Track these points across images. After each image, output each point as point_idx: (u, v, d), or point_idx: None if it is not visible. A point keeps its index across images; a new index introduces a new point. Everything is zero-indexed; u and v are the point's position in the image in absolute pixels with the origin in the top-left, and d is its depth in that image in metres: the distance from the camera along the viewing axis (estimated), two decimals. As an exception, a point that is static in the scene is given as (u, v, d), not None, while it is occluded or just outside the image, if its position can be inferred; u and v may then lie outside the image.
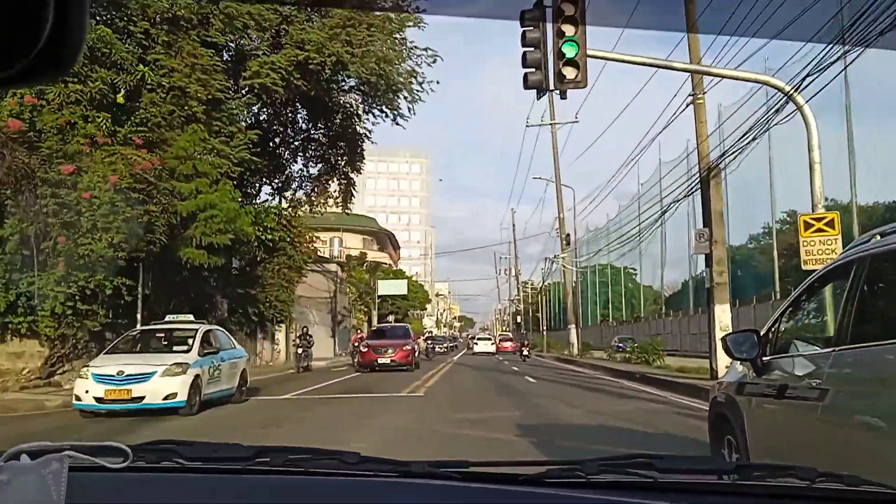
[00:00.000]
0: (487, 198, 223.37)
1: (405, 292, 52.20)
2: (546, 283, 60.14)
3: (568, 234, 33.47)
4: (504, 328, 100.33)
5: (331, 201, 25.10)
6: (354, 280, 47.64)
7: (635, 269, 71.31)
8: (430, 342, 40.99)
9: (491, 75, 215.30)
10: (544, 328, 47.69)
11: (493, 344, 47.94)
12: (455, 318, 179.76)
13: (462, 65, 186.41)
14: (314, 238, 24.61)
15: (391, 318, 60.14)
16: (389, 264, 62.78)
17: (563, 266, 33.90)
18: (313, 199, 24.40)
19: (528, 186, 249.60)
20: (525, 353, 35.79)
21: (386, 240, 68.52)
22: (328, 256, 44.72)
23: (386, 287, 50.51)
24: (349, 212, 25.24)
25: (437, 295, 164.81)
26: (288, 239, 23.16)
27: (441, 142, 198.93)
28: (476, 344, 49.21)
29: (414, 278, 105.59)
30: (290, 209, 23.76)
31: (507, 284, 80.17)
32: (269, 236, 21.76)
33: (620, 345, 47.88)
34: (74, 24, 0.64)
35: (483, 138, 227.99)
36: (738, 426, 3.77)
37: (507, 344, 47.91)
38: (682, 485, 1.22)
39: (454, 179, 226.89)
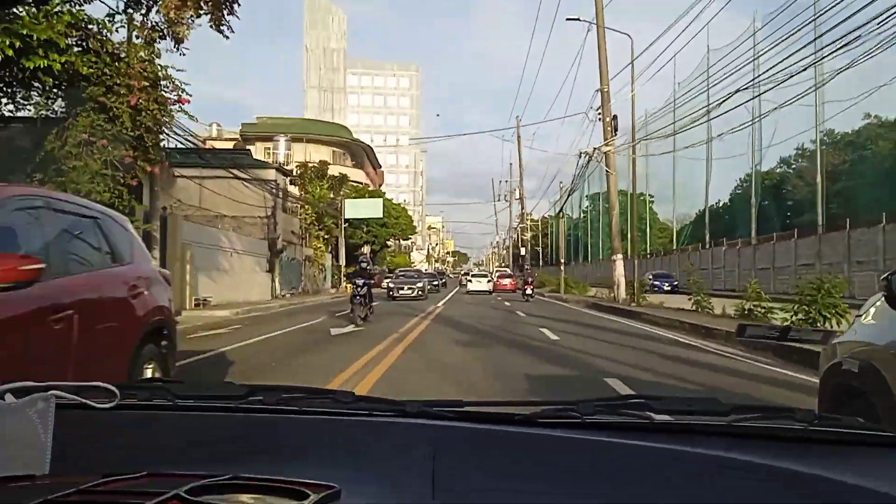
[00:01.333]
0: (485, 133, 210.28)
1: (380, 214, 40.81)
2: (560, 211, 49.49)
3: (615, 117, 21.85)
4: (501, 263, 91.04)
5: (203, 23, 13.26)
6: (311, 197, 36.16)
7: (652, 197, 61.11)
8: (393, 281, 30.81)
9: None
10: (562, 260, 36.46)
11: (489, 281, 40.24)
12: (448, 252, 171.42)
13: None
14: (175, 87, 12.84)
15: (365, 248, 49.03)
16: (366, 184, 51.10)
17: (608, 168, 22.40)
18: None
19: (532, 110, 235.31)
20: (529, 291, 29.92)
21: (362, 154, 56.48)
22: (270, 163, 33.01)
23: (355, 208, 39.10)
24: (226, 34, 13.41)
25: (430, 228, 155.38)
26: (108, 75, 11.60)
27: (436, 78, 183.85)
28: (469, 281, 41.18)
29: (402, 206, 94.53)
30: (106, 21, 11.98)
31: (509, 211, 68.93)
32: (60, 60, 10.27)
33: (657, 283, 37.28)
34: None
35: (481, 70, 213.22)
36: (886, 405, 2.45)
37: (506, 281, 41.26)
38: (678, 426, 1.22)
39: (452, 114, 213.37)
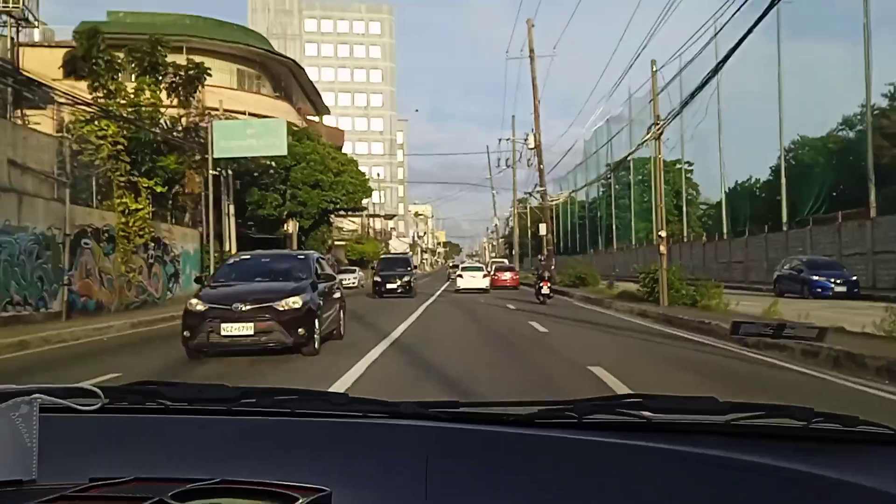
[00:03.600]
0: (473, 123, 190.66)
1: (281, 152, 21.40)
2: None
3: None
4: (496, 254, 78.81)
5: None
6: (114, 105, 16.68)
7: (691, 164, 49.41)
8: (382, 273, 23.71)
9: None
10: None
11: (485, 276, 30.24)
12: (439, 243, 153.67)
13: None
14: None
15: (290, 225, 29.99)
16: (299, 125, 31.53)
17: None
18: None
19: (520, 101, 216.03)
20: (546, 290, 19.40)
21: (292, 82, 36.68)
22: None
23: (228, 135, 19.77)
24: None
25: (417, 215, 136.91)
26: None
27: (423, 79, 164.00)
28: (460, 277, 30.32)
29: (376, 180, 75.07)
30: None
31: (513, 177, 50.10)
32: None
33: (817, 278, 18.80)
34: None
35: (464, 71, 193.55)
36: None
37: (506, 275, 33.27)
38: (675, 425, 1.20)
39: (437, 106, 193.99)
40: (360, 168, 32.88)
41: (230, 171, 22.87)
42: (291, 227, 29.67)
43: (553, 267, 29.95)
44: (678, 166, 56.59)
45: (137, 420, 1.24)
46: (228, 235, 22.94)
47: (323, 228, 30.23)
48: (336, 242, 48.31)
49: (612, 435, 1.14)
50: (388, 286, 24.47)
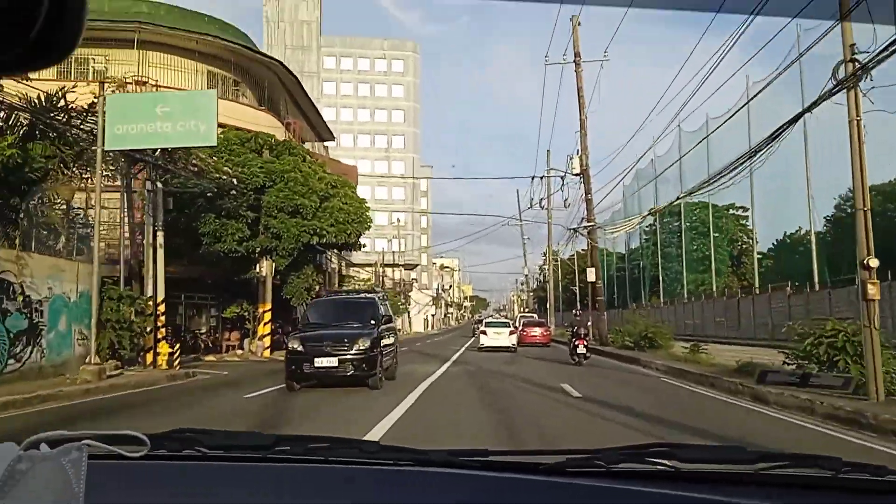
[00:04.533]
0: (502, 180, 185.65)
1: (210, 142, 14.19)
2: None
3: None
4: (523, 308, 76.55)
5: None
6: None
7: (746, 209, 44.55)
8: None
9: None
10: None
11: (511, 333, 25.88)
12: (466, 297, 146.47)
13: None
14: None
15: (263, 265, 22.86)
16: (293, 151, 24.64)
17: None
18: None
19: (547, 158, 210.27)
20: (582, 349, 17.41)
21: (282, 95, 29.97)
22: None
23: (131, 116, 12.68)
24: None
25: (443, 268, 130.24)
26: None
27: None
28: (484, 334, 26.04)
29: (396, 226, 68.22)
30: None
31: (547, 206, 43.01)
32: None
33: None
34: (73, 7, 0.63)
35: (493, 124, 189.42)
36: None
37: (536, 331, 30.31)
38: (704, 474, 1.19)
39: (468, 165, 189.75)
40: (360, 195, 25.72)
41: (159, 184, 15.91)
42: (266, 267, 22.50)
43: (593, 322, 26.06)
44: (731, 211, 49.42)
45: (177, 467, 1.28)
46: (153, 275, 15.80)
47: (307, 271, 22.98)
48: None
49: (641, 483, 1.14)
50: (320, 364, 11.31)
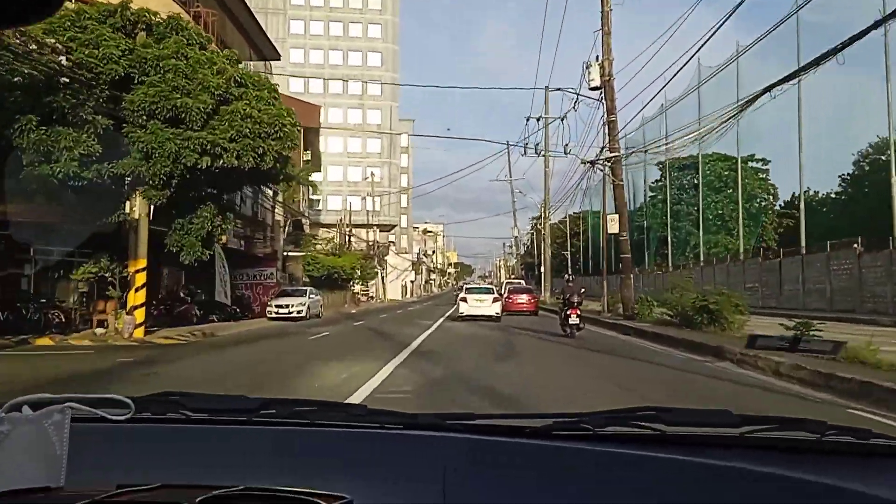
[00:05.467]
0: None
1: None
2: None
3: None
4: (510, 275, 70.95)
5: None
6: None
7: (768, 162, 39.66)
8: None
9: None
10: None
11: (495, 300, 22.66)
12: (450, 264, 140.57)
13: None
14: None
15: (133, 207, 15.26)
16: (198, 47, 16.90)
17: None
18: None
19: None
20: (575, 319, 14.68)
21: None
22: None
23: None
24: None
25: (426, 232, 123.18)
26: None
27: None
28: (463, 301, 22.64)
29: (371, 182, 60.42)
30: None
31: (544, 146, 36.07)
32: None
33: None
34: None
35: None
36: None
37: (522, 298, 27.29)
38: (690, 437, 1.21)
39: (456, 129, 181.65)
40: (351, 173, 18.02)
41: None
42: (138, 206, 15.02)
43: (619, 288, 21.14)
44: (751, 164, 42.98)
45: (162, 430, 1.27)
46: None
47: (205, 213, 15.52)
48: (291, 253, 33.70)
49: (627, 447, 1.14)
50: None
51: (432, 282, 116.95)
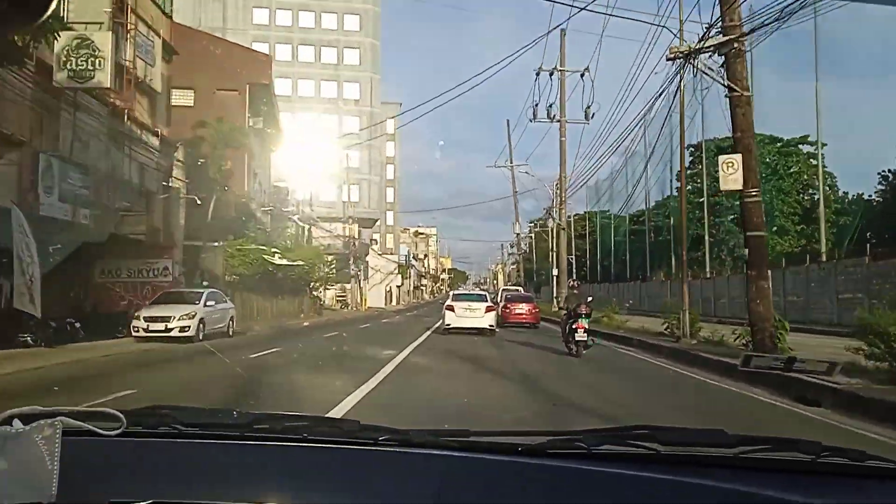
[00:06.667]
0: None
1: None
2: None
3: None
4: (511, 282, 62.30)
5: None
6: None
7: (823, 146, 33.05)
8: None
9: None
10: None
11: (488, 309, 19.05)
12: (444, 270, 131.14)
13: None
14: None
15: None
16: None
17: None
18: None
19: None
20: (581, 334, 12.30)
21: None
22: None
23: None
24: None
25: (417, 234, 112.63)
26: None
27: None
28: (451, 309, 19.15)
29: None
30: None
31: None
32: None
33: None
34: None
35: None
36: None
37: (522, 308, 23.92)
38: (685, 457, 1.20)
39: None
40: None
41: None
42: None
43: (752, 296, 11.70)
44: (804, 147, 38.31)
45: (154, 444, 1.25)
46: None
47: None
48: (213, 244, 23.45)
49: (622, 466, 1.13)
50: None
51: (423, 288, 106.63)
